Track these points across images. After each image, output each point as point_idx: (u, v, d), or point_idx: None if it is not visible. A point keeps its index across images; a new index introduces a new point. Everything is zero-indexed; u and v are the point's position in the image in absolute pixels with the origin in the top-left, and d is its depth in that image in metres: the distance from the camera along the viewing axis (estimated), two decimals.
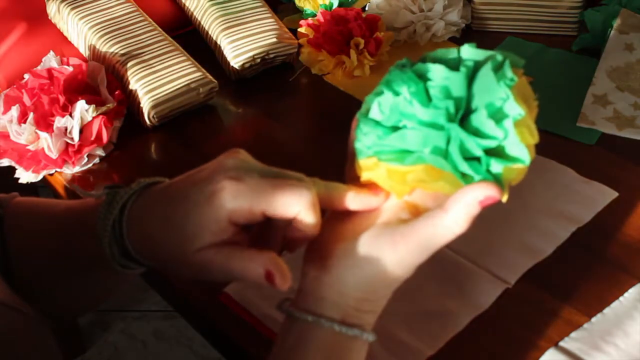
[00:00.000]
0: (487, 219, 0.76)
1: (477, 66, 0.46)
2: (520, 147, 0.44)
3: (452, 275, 0.71)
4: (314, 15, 1.05)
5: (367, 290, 0.48)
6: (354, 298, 0.48)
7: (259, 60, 0.98)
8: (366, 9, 1.06)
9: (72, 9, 0.99)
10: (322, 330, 0.48)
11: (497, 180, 0.45)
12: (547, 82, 0.97)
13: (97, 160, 0.88)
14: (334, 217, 0.50)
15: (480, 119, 0.44)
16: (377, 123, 0.47)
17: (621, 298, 0.68)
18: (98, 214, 0.52)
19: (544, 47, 1.04)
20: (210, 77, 0.94)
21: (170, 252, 0.48)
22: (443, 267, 0.72)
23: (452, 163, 0.45)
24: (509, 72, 0.46)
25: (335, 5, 1.06)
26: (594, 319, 0.67)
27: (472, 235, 0.74)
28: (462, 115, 0.45)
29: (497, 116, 0.44)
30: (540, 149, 0.84)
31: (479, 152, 0.44)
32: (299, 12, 1.10)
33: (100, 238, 0.51)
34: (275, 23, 1.00)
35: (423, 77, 0.46)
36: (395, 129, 0.46)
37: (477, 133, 0.44)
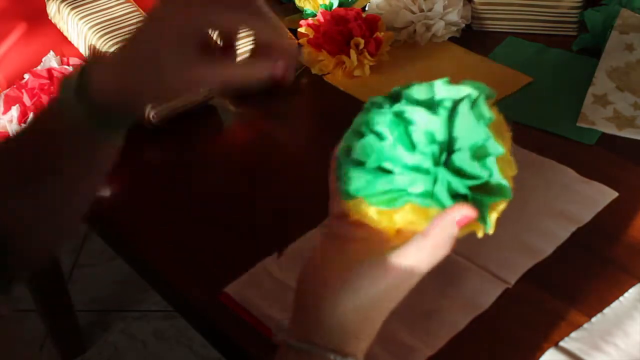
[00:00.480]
0: None
1: (455, 105, 0.48)
2: (503, 183, 0.47)
3: (452, 275, 0.71)
4: (314, 15, 1.05)
5: (364, 318, 0.49)
6: (350, 326, 0.49)
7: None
8: (366, 9, 1.06)
9: (72, 9, 0.99)
10: (317, 358, 0.48)
11: (483, 215, 0.48)
12: (547, 82, 0.97)
13: None
14: (328, 248, 0.51)
15: (464, 160, 0.47)
16: (360, 165, 0.49)
17: (621, 298, 0.68)
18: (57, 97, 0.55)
19: (544, 47, 1.04)
20: None
21: (148, 79, 0.52)
22: (443, 267, 0.71)
23: (439, 202, 0.47)
24: (486, 111, 0.49)
25: (335, 5, 1.06)
26: (594, 319, 0.66)
27: (472, 235, 0.74)
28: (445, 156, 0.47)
29: (480, 155, 0.47)
30: (540, 149, 0.85)
31: (464, 191, 0.47)
32: (299, 12, 1.10)
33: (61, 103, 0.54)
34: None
35: (402, 118, 0.48)
36: (379, 170, 0.48)
37: (461, 172, 0.47)
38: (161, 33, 0.51)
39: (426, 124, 0.47)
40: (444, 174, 0.46)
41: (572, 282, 0.70)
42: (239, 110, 0.98)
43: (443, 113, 0.47)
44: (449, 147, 0.47)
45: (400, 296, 0.50)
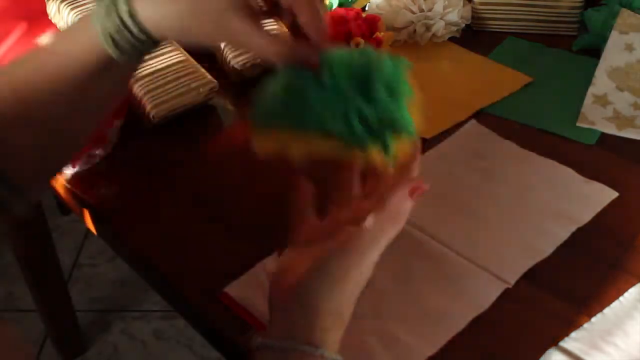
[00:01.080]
0: (487, 219, 0.76)
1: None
2: (409, 119, 0.51)
3: (452, 275, 0.71)
4: None
5: (334, 306, 0.51)
6: (321, 318, 0.51)
7: (259, 60, 0.98)
8: (366, 9, 1.06)
9: (72, 9, 0.98)
10: (291, 354, 0.50)
11: (386, 148, 0.51)
12: (547, 82, 0.97)
13: (97, 160, 0.88)
14: (294, 251, 0.55)
15: (378, 91, 0.50)
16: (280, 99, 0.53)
17: (621, 298, 0.68)
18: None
19: (544, 47, 1.04)
20: (210, 77, 0.94)
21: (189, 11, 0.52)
22: (443, 267, 0.72)
23: (350, 130, 0.50)
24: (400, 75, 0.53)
25: (335, 5, 1.06)
26: (594, 319, 0.67)
27: (472, 235, 0.74)
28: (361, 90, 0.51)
29: (392, 93, 0.51)
30: (541, 149, 0.85)
31: (374, 120, 0.50)
32: None
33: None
34: (275, 23, 1.00)
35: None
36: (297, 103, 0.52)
37: (373, 103, 0.51)
38: None
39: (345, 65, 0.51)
40: (358, 101, 0.50)
41: (572, 282, 0.70)
42: (239, 110, 0.97)
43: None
44: (362, 83, 0.51)
45: (363, 278, 0.52)
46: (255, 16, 0.52)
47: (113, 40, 0.54)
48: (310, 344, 0.50)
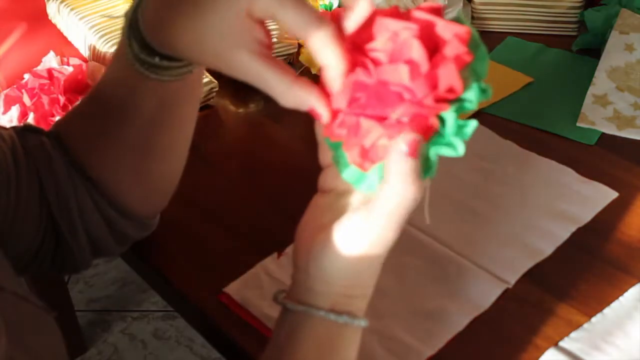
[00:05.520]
0: (487, 219, 0.76)
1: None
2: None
3: (452, 276, 0.71)
4: None
5: (352, 275, 0.48)
6: (340, 285, 0.48)
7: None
8: None
9: (72, 9, 0.99)
10: (312, 319, 0.48)
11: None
12: (547, 82, 0.97)
13: None
14: (316, 205, 0.51)
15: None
16: None
17: (621, 298, 0.68)
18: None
19: (544, 47, 1.04)
20: (211, 77, 0.94)
21: (196, 47, 0.49)
22: (443, 267, 0.72)
23: None
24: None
25: (335, 5, 1.06)
26: (594, 319, 0.66)
27: (472, 235, 0.74)
28: None
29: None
30: (540, 149, 0.85)
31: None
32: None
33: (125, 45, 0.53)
34: (275, 23, 1.00)
35: None
36: None
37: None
38: None
39: None
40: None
41: (572, 282, 0.70)
42: (239, 110, 0.98)
43: None
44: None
45: (384, 250, 0.48)
46: (267, 52, 0.48)
47: (137, 57, 0.54)
48: (331, 311, 0.48)
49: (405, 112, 0.43)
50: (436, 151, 0.45)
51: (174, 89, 0.58)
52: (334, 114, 0.46)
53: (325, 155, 0.51)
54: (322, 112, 0.46)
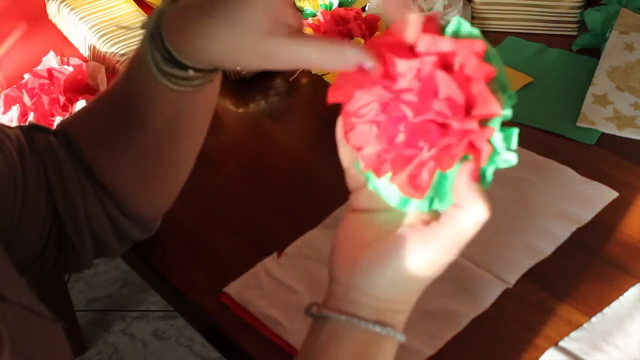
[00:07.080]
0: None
1: None
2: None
3: (452, 276, 0.71)
4: (314, 15, 1.05)
5: (400, 292, 0.48)
6: (386, 300, 0.48)
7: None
8: (366, 9, 1.06)
9: (72, 9, 0.99)
10: (355, 329, 0.48)
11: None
12: (547, 82, 0.97)
13: None
14: (354, 221, 0.50)
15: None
16: None
17: (621, 298, 0.68)
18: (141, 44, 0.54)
19: (544, 47, 1.04)
20: None
21: (223, 44, 0.49)
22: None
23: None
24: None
25: (335, 5, 1.06)
26: (594, 319, 0.66)
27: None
28: None
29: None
30: (540, 149, 0.85)
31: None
32: (299, 12, 1.09)
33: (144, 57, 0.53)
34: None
35: None
36: None
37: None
38: None
39: None
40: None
41: (572, 282, 0.70)
42: (239, 110, 0.98)
43: None
44: None
45: (437, 273, 0.48)
46: (296, 31, 0.48)
47: (159, 69, 0.54)
48: (376, 323, 0.48)
49: (452, 141, 0.44)
50: (493, 168, 0.46)
51: (191, 98, 0.58)
52: (377, 156, 0.47)
53: (354, 181, 0.51)
54: (372, 65, 0.46)
